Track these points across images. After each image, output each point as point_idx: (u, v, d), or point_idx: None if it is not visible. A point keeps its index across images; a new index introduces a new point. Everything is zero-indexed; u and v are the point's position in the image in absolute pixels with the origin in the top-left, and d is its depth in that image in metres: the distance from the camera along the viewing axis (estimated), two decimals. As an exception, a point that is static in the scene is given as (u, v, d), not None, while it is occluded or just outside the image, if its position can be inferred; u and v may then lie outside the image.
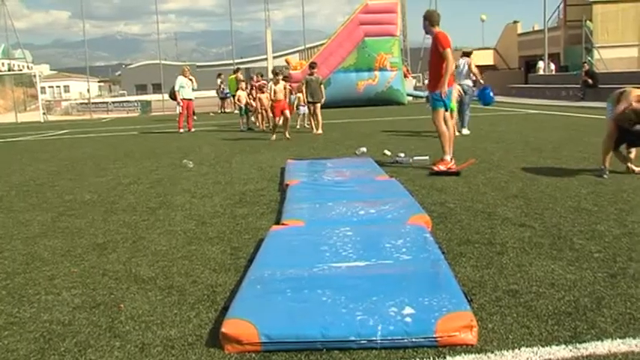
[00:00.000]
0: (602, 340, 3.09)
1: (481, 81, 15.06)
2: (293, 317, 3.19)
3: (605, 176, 7.61)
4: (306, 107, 17.00)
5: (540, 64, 35.77)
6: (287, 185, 7.45)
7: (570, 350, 3.00)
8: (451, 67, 8.53)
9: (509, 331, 3.25)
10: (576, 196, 6.62)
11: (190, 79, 19.49)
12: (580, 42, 35.14)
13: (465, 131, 13.95)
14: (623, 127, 7.55)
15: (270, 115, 18.61)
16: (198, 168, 10.28)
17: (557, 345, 3.07)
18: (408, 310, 3.18)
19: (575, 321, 3.34)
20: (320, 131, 15.69)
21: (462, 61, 14.19)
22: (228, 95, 31.56)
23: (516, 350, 3.03)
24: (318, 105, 15.98)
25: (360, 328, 3.07)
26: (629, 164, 7.99)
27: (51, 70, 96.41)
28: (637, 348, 2.99)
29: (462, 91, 13.77)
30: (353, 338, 3.05)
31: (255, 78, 20.09)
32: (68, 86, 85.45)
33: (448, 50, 8.46)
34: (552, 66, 36.01)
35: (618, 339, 3.09)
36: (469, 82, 14.35)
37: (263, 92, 18.31)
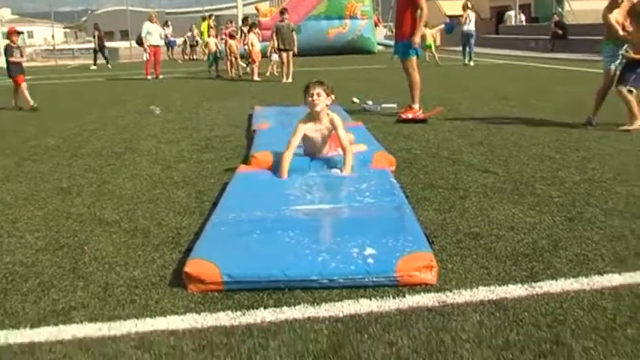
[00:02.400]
0: (556, 280, 3.18)
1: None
2: (255, 257, 3.22)
3: (592, 124, 7.65)
4: (277, 54, 16.60)
5: (510, 13, 35.60)
6: (254, 131, 7.42)
7: (526, 289, 3.09)
8: (426, 17, 8.50)
9: (468, 271, 3.33)
10: (540, 144, 6.71)
11: (163, 26, 19.25)
12: (551, -7, 35.07)
13: (472, 63, 19.84)
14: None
15: (240, 63, 18.41)
16: (165, 114, 10.17)
17: (513, 284, 3.15)
18: (369, 251, 3.22)
19: (532, 262, 3.43)
20: (290, 80, 15.50)
21: (471, 13, 20.07)
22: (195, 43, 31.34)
23: (474, 289, 3.10)
24: (290, 53, 15.71)
25: (322, 268, 3.11)
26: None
27: (13, 14, 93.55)
28: (588, 286, 3.08)
29: (468, 35, 20.01)
30: (315, 278, 3.09)
31: (227, 25, 19.81)
32: (32, 32, 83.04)
33: (423, 1, 8.40)
34: (522, 17, 35.92)
35: (572, 278, 3.19)
36: (473, 28, 20.06)
37: (234, 39, 18.05)
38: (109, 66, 26.66)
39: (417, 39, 8.53)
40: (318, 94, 5.14)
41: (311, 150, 5.34)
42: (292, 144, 4.97)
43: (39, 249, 3.93)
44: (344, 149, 5.03)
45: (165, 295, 3.14)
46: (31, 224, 4.46)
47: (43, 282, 3.38)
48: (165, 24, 30.99)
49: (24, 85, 11.65)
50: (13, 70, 11.70)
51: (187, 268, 3.16)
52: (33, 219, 4.59)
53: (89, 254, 3.79)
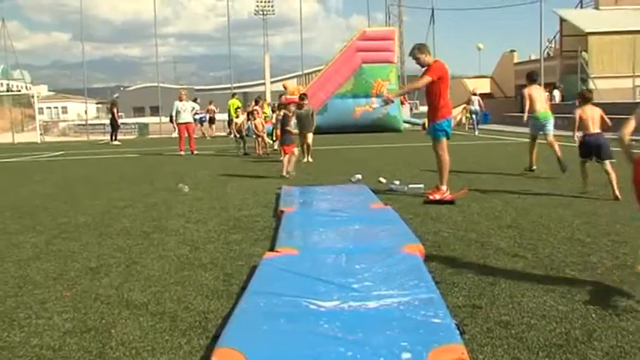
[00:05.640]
0: (592, 374, 3.09)
1: (484, 109, 29.48)
2: (283, 347, 3.18)
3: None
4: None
5: (556, 92, 35.45)
6: (282, 212, 7.45)
7: (561, 383, 3.00)
8: (419, 85, 8.90)
9: (500, 363, 3.25)
10: (569, 226, 6.64)
11: (195, 103, 19.96)
12: (575, 72, 35.39)
13: (477, 133, 25.79)
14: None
15: (268, 140, 18.58)
16: (193, 192, 10.28)
17: (547, 378, 3.06)
18: (399, 343, 3.17)
19: (566, 353, 3.34)
20: (310, 159, 15.48)
21: (475, 98, 27.92)
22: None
23: (507, 383, 3.03)
24: (310, 134, 15.65)
25: None
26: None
27: (49, 90, 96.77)
28: (627, 382, 2.99)
29: (473, 113, 27.66)
30: (343, 370, 3.04)
31: (257, 102, 20.13)
32: (66, 107, 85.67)
33: (426, 78, 8.63)
34: (557, 93, 35.78)
35: (609, 373, 3.09)
36: (477, 107, 27.80)
37: (256, 118, 18.23)
38: (114, 143, 27.57)
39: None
40: None
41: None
42: None
43: (66, 331, 3.93)
44: None
45: (191, 384, 3.11)
46: (60, 305, 4.48)
47: (70, 367, 3.37)
48: (194, 101, 31.80)
49: (296, 151, 12.42)
50: (287, 138, 12.45)
51: (214, 358, 3.13)
52: (61, 300, 4.62)
53: (116, 338, 3.78)
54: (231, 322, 3.62)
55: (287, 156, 12.29)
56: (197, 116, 31.79)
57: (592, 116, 8.78)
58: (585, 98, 9.20)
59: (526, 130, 10.49)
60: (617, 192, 8.19)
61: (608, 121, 8.87)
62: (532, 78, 12.37)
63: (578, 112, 8.90)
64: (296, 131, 12.97)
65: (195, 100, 31.86)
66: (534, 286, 4.56)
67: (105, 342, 3.72)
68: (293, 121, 13.38)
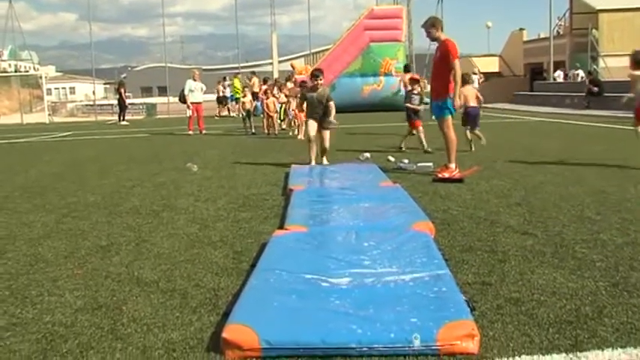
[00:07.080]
0: (602, 350, 3.08)
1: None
2: (294, 323, 3.19)
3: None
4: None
5: (580, 72, 34.69)
6: (291, 190, 7.46)
7: (570, 359, 3.00)
8: (460, 77, 8.55)
9: (510, 339, 3.25)
10: (579, 204, 6.61)
11: (202, 84, 20.00)
12: (586, 50, 35.07)
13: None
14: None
15: (277, 120, 18.55)
16: (202, 172, 10.29)
17: (557, 353, 3.06)
18: (410, 320, 3.17)
19: (576, 329, 3.34)
20: (326, 162, 11.12)
21: (475, 77, 26.25)
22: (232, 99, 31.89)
23: (517, 358, 3.03)
24: (327, 133, 14.83)
25: (361, 336, 3.07)
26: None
27: (57, 71, 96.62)
28: (638, 358, 2.98)
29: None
30: (354, 345, 3.04)
31: (265, 82, 20.07)
32: (74, 88, 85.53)
33: (457, 61, 8.47)
34: (582, 72, 34.84)
35: (619, 348, 3.09)
36: (477, 85, 25.28)
37: (268, 97, 18.26)
38: (122, 123, 27.83)
39: (457, 101, 8.60)
40: None
41: None
42: None
43: (78, 309, 3.95)
44: None
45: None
46: (71, 283, 4.51)
47: (82, 343, 3.39)
48: (223, 79, 31.82)
49: (420, 128, 12.56)
50: (411, 115, 12.76)
51: (225, 334, 3.14)
52: (73, 277, 4.64)
53: (127, 315, 3.80)
54: (242, 298, 3.63)
55: (419, 129, 12.56)
56: (224, 95, 31.79)
57: (471, 94, 12.01)
58: (464, 80, 11.68)
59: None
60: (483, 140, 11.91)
61: (481, 97, 12.40)
62: (407, 69, 18.33)
63: (462, 91, 10.71)
64: (420, 107, 12.85)
65: (224, 79, 31.94)
66: (544, 264, 4.55)
67: (116, 319, 3.75)
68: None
